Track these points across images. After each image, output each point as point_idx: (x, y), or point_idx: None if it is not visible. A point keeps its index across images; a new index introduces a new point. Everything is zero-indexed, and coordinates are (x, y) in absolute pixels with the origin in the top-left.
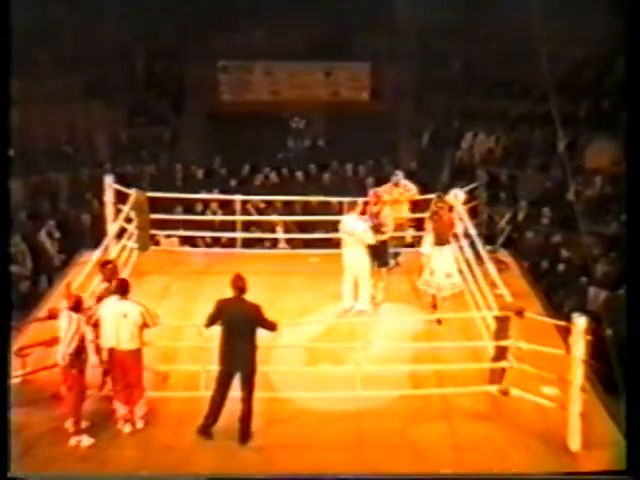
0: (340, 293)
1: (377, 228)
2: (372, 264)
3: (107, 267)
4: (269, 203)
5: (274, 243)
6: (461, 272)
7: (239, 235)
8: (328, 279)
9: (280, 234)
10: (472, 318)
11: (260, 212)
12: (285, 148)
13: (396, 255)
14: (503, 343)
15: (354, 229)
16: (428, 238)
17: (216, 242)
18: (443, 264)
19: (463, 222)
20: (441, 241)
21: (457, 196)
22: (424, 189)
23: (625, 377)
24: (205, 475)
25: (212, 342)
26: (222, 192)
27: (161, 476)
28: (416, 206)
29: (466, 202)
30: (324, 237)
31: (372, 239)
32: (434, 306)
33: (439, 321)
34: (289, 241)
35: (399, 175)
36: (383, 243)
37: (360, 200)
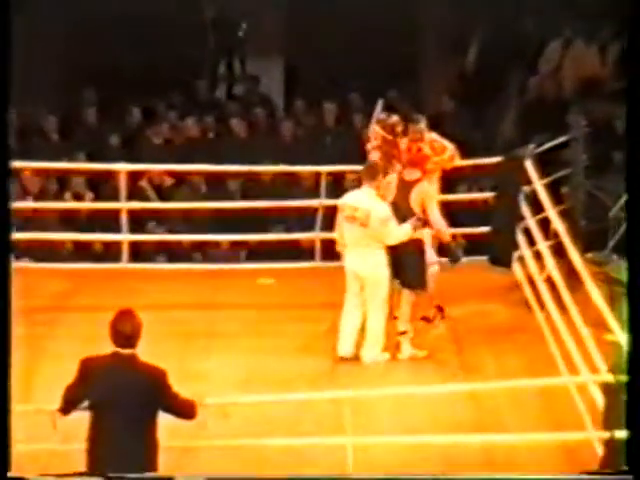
0: (313, 342)
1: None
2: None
3: None
4: (180, 178)
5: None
6: (541, 304)
7: (125, 237)
8: (292, 317)
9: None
10: (561, 386)
11: (164, 194)
12: (207, 70)
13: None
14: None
15: (370, 213)
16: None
17: (84, 250)
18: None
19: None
20: None
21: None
22: (468, 149)
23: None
24: (203, 476)
25: (75, 441)
26: (92, 157)
27: (160, 477)
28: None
29: (549, 170)
30: (285, 239)
31: (400, 234)
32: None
33: (428, 318)
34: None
35: (422, 123)
36: (415, 244)
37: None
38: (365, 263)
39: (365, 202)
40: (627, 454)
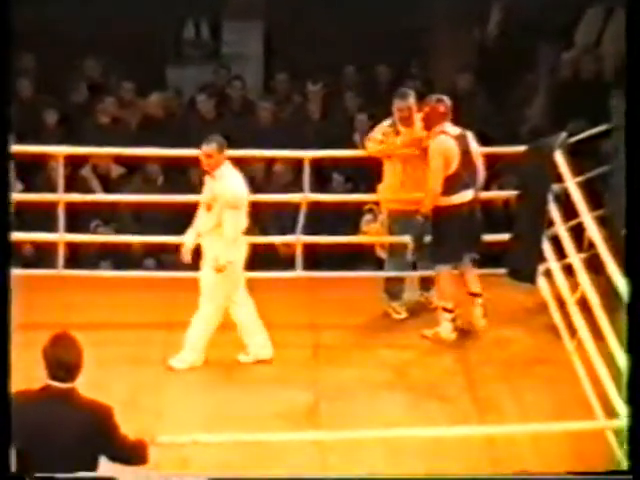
0: (292, 372)
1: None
2: None
3: None
4: (131, 166)
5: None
6: (572, 330)
7: (61, 238)
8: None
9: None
10: (596, 431)
11: (111, 185)
12: (169, 36)
13: (426, 286)
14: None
15: None
16: None
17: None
18: None
19: None
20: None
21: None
22: (487, 136)
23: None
24: (205, 476)
25: None
26: (22, 138)
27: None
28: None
29: (585, 165)
30: (259, 242)
31: None
32: None
33: None
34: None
35: (410, 96)
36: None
37: None
38: None
39: None
40: (627, 454)
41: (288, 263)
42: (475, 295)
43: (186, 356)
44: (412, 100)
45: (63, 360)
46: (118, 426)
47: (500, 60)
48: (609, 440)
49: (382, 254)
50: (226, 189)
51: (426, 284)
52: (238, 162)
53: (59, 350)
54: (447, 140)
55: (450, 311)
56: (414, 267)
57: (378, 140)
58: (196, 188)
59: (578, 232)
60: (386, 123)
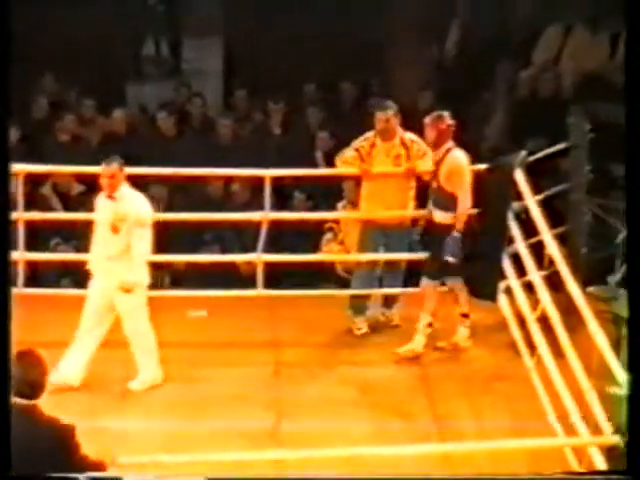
0: (254, 390)
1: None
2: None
3: None
4: (91, 184)
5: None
6: (532, 348)
7: (21, 256)
8: (228, 358)
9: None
10: (555, 449)
11: (71, 203)
12: (129, 52)
13: (389, 304)
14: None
15: None
16: None
17: None
18: None
19: None
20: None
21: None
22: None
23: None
24: (203, 477)
25: None
26: None
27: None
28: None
29: (544, 183)
30: (220, 261)
31: None
32: None
33: None
34: None
35: (390, 109)
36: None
37: None
38: None
39: None
40: (626, 454)
41: (249, 281)
42: (465, 316)
43: (144, 377)
44: (391, 113)
45: (28, 377)
46: (79, 445)
47: (459, 78)
48: (567, 459)
49: (343, 272)
50: (133, 208)
51: (389, 302)
52: (198, 180)
53: (24, 367)
54: (464, 156)
55: (430, 325)
56: (380, 283)
57: (343, 160)
58: (157, 206)
59: (538, 250)
60: (365, 136)
